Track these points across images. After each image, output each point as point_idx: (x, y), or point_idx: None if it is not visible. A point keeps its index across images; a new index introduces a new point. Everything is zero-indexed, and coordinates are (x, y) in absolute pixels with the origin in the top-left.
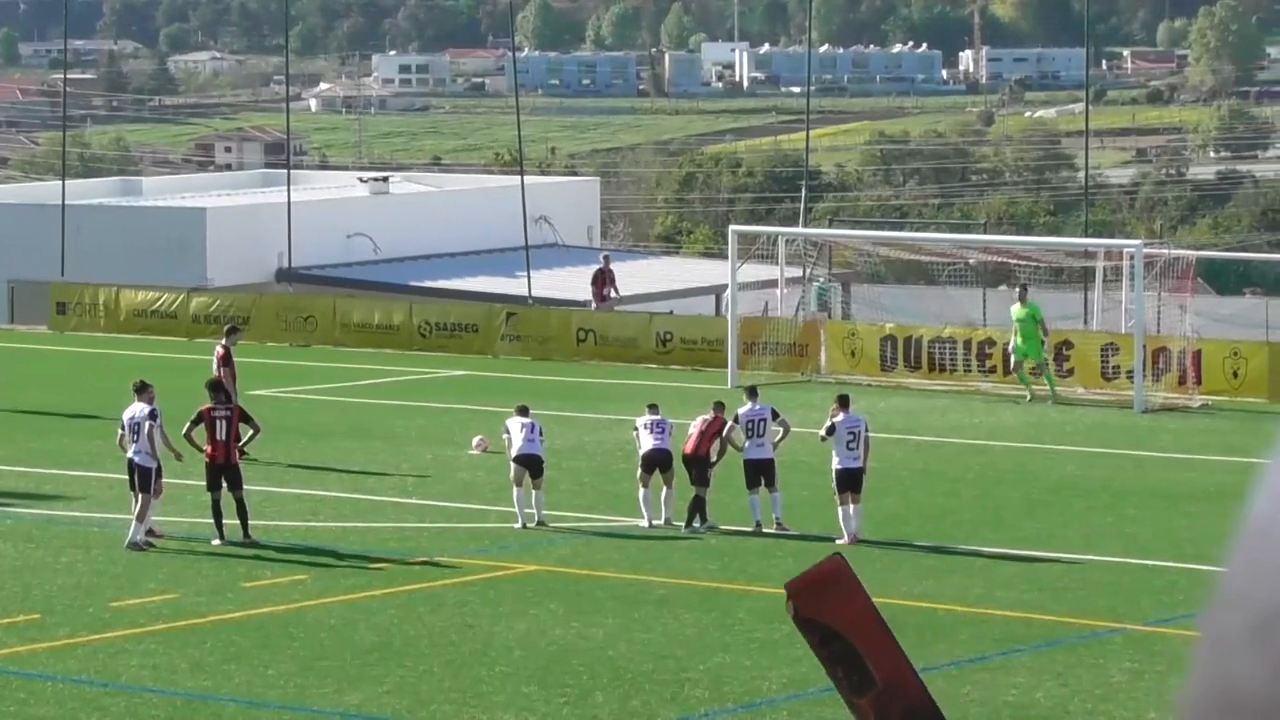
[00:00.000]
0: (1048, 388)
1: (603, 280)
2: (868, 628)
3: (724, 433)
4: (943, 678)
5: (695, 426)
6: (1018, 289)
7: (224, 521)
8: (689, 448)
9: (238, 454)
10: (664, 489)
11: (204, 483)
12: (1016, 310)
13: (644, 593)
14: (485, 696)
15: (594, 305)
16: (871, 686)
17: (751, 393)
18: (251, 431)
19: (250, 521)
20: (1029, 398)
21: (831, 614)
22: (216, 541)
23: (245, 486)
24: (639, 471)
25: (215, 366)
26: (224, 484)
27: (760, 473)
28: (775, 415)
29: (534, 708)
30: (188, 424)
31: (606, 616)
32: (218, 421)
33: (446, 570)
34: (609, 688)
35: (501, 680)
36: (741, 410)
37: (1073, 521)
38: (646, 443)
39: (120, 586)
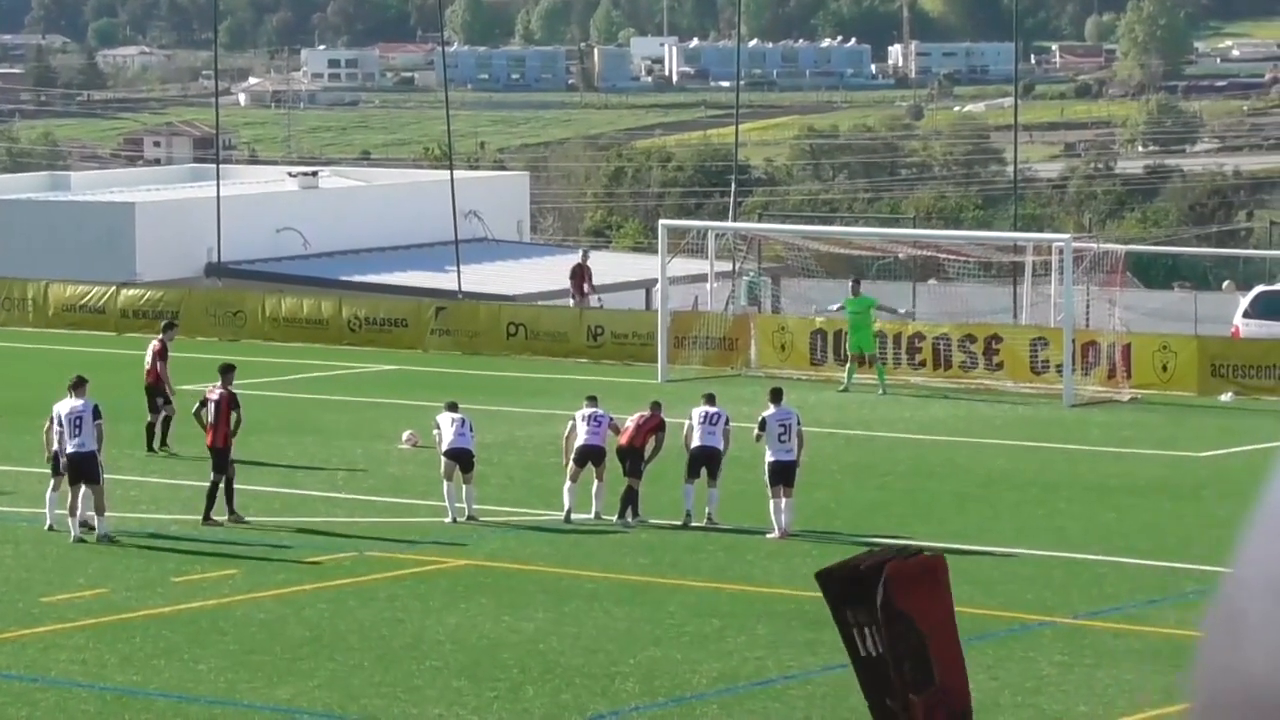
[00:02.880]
0: (877, 381)
1: (581, 276)
2: (944, 628)
3: (686, 431)
4: None
5: (632, 421)
6: (850, 282)
7: (224, 501)
8: (624, 439)
9: (223, 439)
10: (595, 482)
11: (138, 477)
12: (848, 301)
13: (574, 587)
14: (416, 691)
15: (573, 301)
16: (929, 684)
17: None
18: (235, 420)
19: (210, 511)
20: (844, 388)
21: (917, 606)
22: (222, 519)
23: (180, 480)
24: (570, 464)
25: (150, 360)
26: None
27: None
28: (727, 420)
29: (464, 702)
30: (196, 405)
31: (537, 611)
32: (207, 405)
33: (377, 564)
34: (539, 682)
35: (432, 674)
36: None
37: (1002, 515)
38: (580, 437)
39: (50, 581)
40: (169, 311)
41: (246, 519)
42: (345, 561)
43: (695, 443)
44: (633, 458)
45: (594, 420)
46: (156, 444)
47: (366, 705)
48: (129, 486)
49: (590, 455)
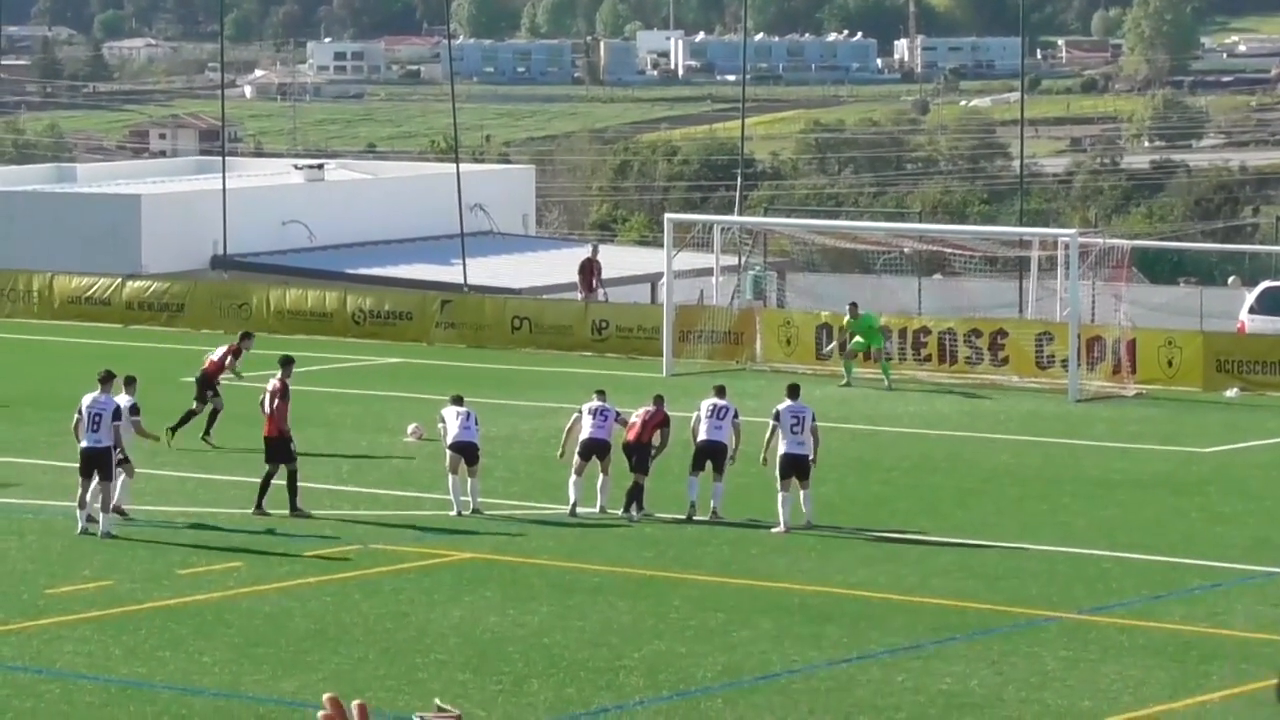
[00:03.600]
0: (882, 376)
1: (590, 270)
2: None
3: (699, 425)
4: (877, 666)
5: (638, 416)
6: (848, 306)
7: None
8: (631, 435)
9: (274, 429)
10: (600, 476)
11: (144, 470)
12: (849, 324)
13: (579, 580)
14: (420, 684)
15: (581, 295)
16: None
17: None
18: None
19: (295, 499)
20: (846, 382)
21: None
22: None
23: (185, 474)
24: (574, 458)
25: (219, 354)
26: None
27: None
28: (736, 414)
29: (469, 695)
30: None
31: (541, 604)
32: (264, 396)
33: (381, 558)
34: (544, 675)
35: (437, 668)
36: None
37: (1007, 510)
38: (585, 430)
39: (55, 573)
40: (173, 304)
41: (270, 513)
42: (350, 554)
43: (701, 436)
44: (639, 453)
45: (600, 414)
46: (200, 435)
47: (371, 698)
48: (135, 479)
49: (595, 449)
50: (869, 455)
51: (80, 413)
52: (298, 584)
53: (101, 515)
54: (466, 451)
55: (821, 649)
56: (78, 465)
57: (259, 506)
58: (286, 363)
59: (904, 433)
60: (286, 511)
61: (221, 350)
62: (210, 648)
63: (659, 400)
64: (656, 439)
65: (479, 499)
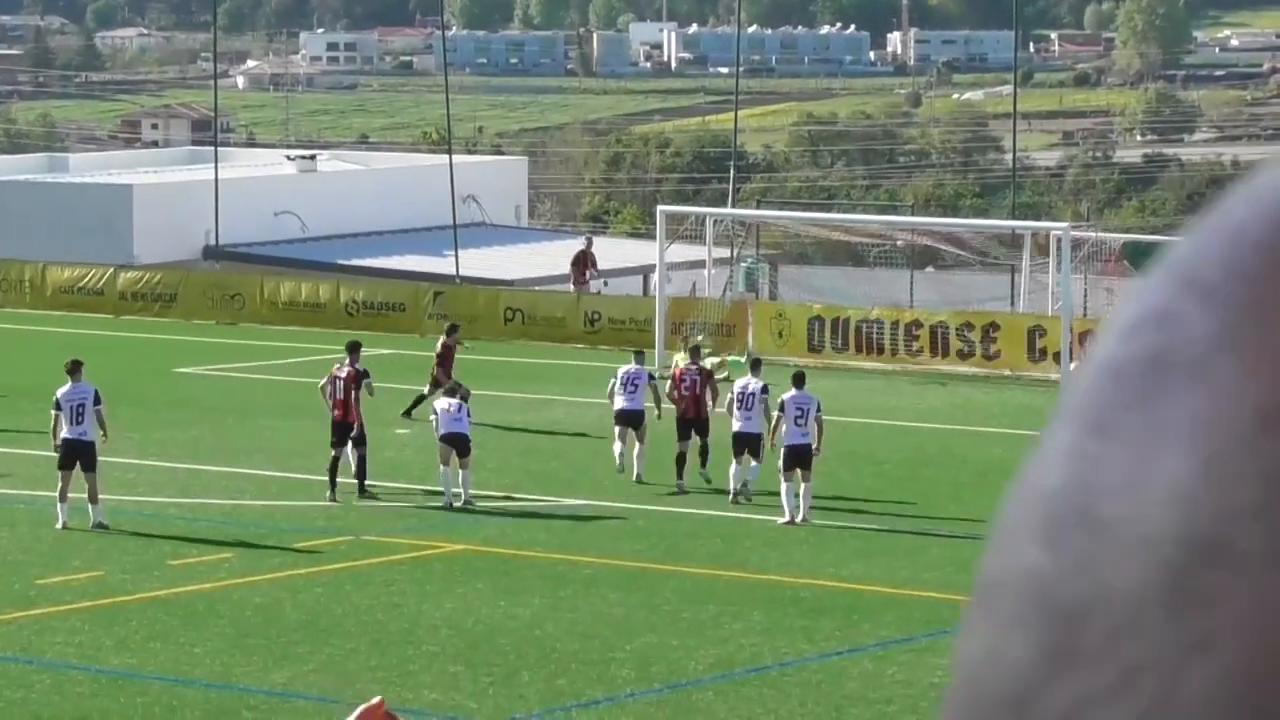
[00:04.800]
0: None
1: (584, 262)
2: None
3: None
4: (869, 659)
5: (686, 386)
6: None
7: (338, 479)
8: (690, 411)
9: (347, 413)
10: (637, 445)
11: (135, 460)
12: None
13: (571, 572)
14: (412, 675)
15: (574, 288)
16: None
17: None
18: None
19: (365, 481)
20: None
21: None
22: (327, 497)
23: (177, 464)
24: (615, 427)
25: (441, 358)
26: (348, 441)
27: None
28: (764, 390)
29: (460, 687)
30: (323, 380)
31: (533, 596)
32: (335, 381)
33: (373, 549)
34: (535, 667)
35: (428, 659)
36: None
37: (999, 504)
38: (618, 401)
39: (45, 564)
40: (165, 295)
41: (339, 499)
42: (341, 545)
43: (734, 427)
44: (698, 426)
45: (632, 383)
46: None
47: (362, 690)
48: (125, 469)
49: (630, 420)
50: (861, 448)
51: (58, 407)
52: (289, 575)
53: (91, 507)
54: (458, 443)
55: (813, 642)
56: (58, 458)
57: (333, 490)
58: (354, 348)
59: (896, 426)
60: (352, 493)
61: (437, 354)
62: (201, 639)
63: (694, 352)
64: (709, 403)
65: (470, 491)
